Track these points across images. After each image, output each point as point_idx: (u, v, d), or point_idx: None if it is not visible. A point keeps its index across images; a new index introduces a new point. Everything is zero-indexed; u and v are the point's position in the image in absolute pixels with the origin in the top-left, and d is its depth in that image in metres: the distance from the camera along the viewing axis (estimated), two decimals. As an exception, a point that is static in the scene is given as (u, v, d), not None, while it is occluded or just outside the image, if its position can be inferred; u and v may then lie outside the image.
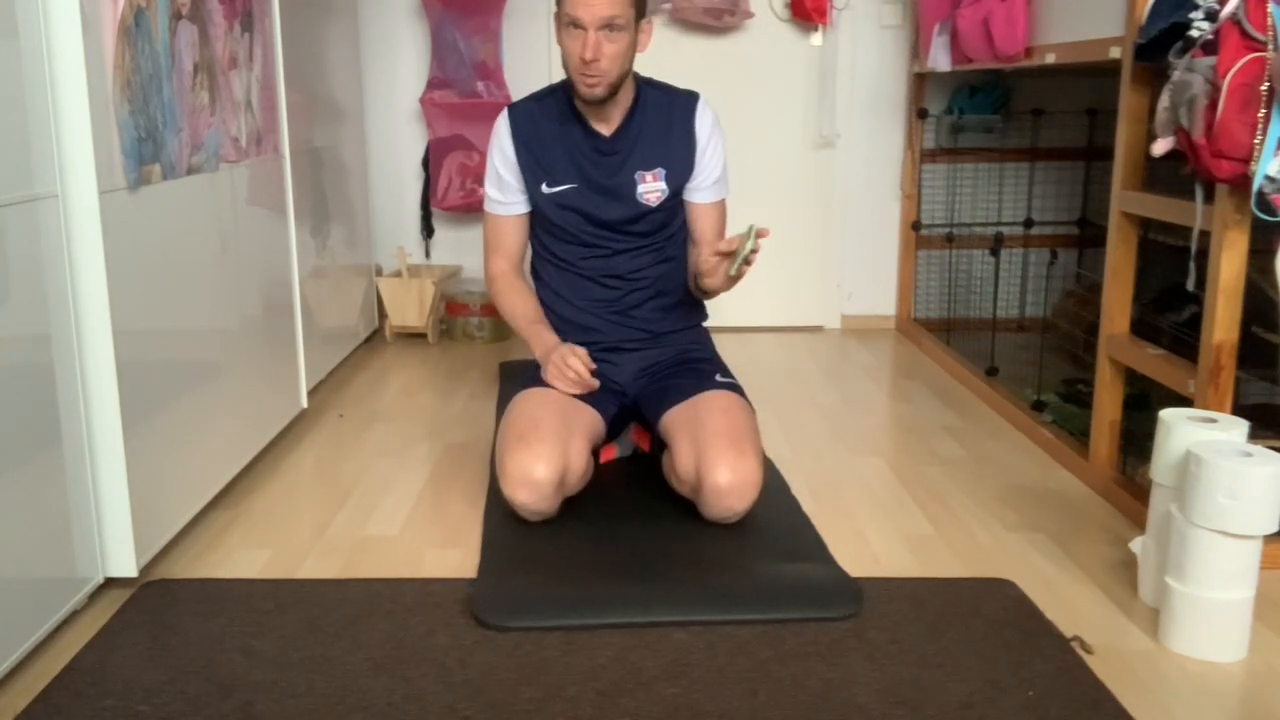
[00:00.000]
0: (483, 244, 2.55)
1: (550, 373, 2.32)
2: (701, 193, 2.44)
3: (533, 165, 2.39)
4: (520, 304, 2.47)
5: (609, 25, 2.18)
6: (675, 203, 2.43)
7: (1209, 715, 1.62)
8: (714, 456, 2.13)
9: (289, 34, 2.89)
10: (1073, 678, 1.69)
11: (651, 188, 2.39)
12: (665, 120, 2.39)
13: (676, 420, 2.27)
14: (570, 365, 2.29)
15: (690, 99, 2.42)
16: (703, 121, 2.40)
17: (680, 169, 2.40)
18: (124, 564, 1.95)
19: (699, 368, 2.42)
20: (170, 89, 2.10)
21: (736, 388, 2.36)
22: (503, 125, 2.41)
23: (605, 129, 2.36)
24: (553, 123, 2.38)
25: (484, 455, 2.73)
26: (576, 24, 2.19)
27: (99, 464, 1.90)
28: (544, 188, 2.40)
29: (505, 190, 2.45)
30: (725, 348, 3.00)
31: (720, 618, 1.85)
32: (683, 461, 2.19)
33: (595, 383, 2.31)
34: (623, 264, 2.44)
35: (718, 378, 2.38)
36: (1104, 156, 3.75)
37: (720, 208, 2.48)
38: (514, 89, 3.96)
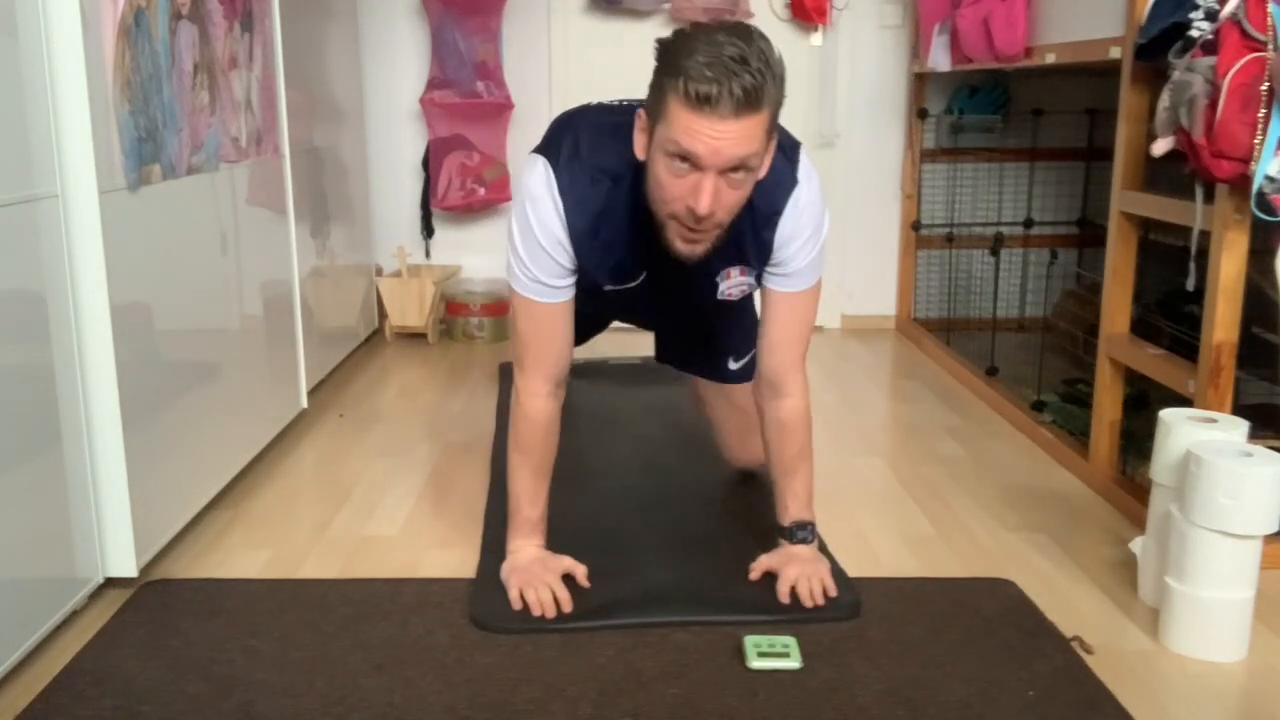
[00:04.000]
0: (513, 347, 1.94)
1: (517, 582, 1.90)
2: (780, 279, 1.91)
3: (589, 263, 1.84)
4: (533, 470, 1.95)
5: (738, 168, 1.62)
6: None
7: (1209, 715, 1.62)
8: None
9: (289, 34, 2.89)
10: (1073, 678, 1.69)
11: (736, 283, 1.94)
12: (755, 212, 1.81)
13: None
14: (543, 599, 1.85)
15: (783, 188, 1.81)
16: (790, 215, 1.83)
17: (764, 255, 1.90)
18: (124, 564, 1.95)
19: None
20: (170, 89, 2.10)
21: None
22: (544, 198, 1.78)
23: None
24: (613, 229, 1.80)
25: (484, 455, 2.73)
26: (688, 159, 1.60)
27: (99, 464, 1.90)
28: (605, 286, 1.90)
29: (552, 270, 1.82)
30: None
31: (720, 618, 1.85)
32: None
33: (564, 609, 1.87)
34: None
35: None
36: (1104, 156, 3.74)
37: (798, 301, 1.93)
38: (514, 89, 3.96)
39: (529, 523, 1.97)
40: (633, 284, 1.92)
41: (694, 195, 1.61)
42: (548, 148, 1.82)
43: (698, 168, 1.59)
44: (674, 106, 1.58)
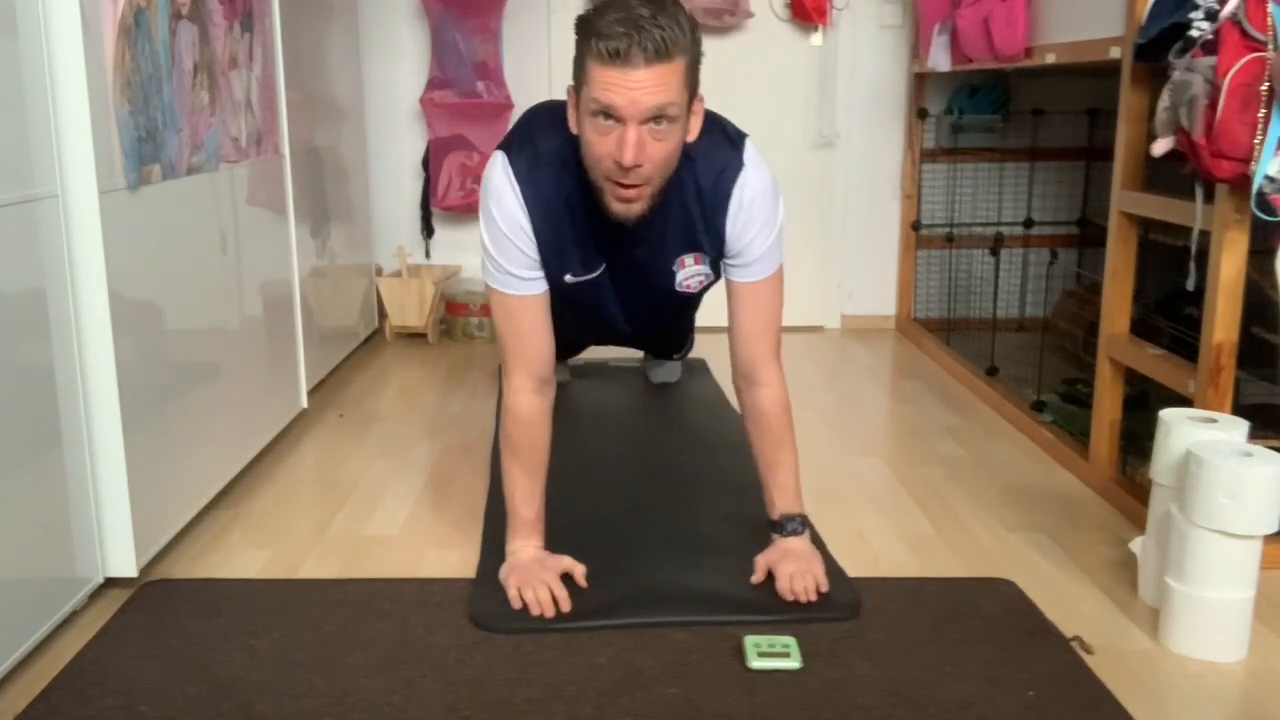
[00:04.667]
0: (499, 350, 1.96)
1: (515, 582, 1.90)
2: (739, 270, 1.93)
3: (550, 252, 1.88)
4: (526, 468, 1.95)
5: (658, 117, 1.65)
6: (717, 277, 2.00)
7: (1209, 715, 1.62)
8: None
9: (289, 34, 2.89)
10: (1073, 678, 1.69)
11: (693, 272, 1.95)
12: (702, 193, 1.85)
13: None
14: (541, 599, 1.85)
15: (729, 170, 1.85)
16: (737, 199, 1.86)
17: (718, 244, 1.92)
18: (124, 564, 1.95)
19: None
20: (170, 89, 2.10)
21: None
22: (504, 187, 1.83)
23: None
24: (567, 209, 1.84)
25: (484, 455, 2.73)
26: (609, 114, 1.64)
27: (99, 464, 1.90)
28: (567, 277, 1.92)
29: (519, 260, 1.86)
30: (726, 348, 2.99)
31: (720, 618, 1.85)
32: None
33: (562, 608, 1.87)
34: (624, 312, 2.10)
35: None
36: (1104, 156, 3.74)
37: (761, 290, 1.94)
38: (514, 89, 3.96)
39: (526, 523, 1.97)
40: (593, 275, 1.94)
41: (619, 149, 1.64)
42: (507, 142, 1.90)
43: (619, 120, 1.63)
44: (591, 66, 1.64)
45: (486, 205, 1.86)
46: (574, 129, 1.74)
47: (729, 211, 1.86)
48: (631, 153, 1.64)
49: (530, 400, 1.94)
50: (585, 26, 1.66)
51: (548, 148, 1.83)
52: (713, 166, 1.83)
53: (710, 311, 2.53)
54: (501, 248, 1.86)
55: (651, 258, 1.93)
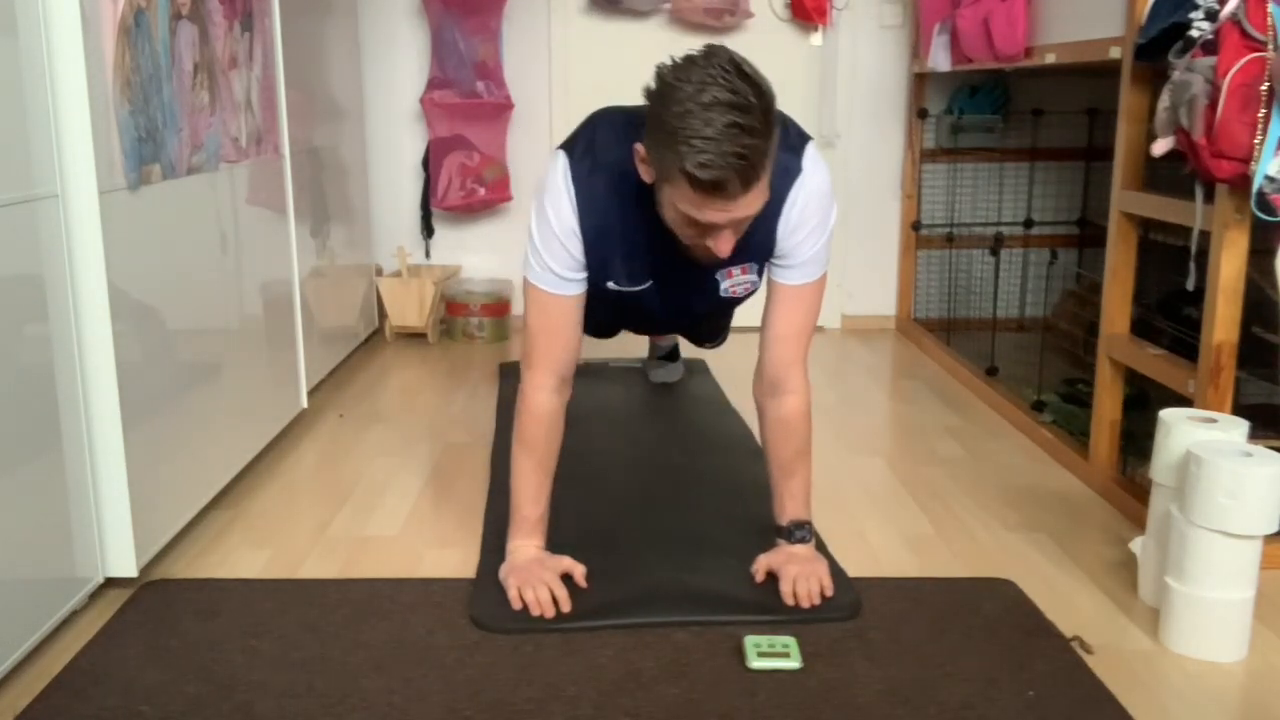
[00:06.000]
0: (525, 343, 1.93)
1: (515, 582, 1.89)
2: (783, 271, 1.91)
3: (597, 261, 1.88)
4: (535, 466, 1.94)
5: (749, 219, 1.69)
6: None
7: (1209, 715, 1.62)
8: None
9: (289, 34, 2.89)
10: (1073, 678, 1.69)
11: (739, 281, 1.96)
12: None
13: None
14: (540, 599, 1.85)
15: (786, 177, 1.80)
16: (790, 203, 1.83)
17: (768, 250, 1.90)
18: (124, 564, 1.95)
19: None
20: (170, 89, 2.10)
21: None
22: (561, 189, 1.82)
23: None
24: (622, 223, 1.83)
25: (484, 455, 2.73)
26: (702, 224, 1.66)
27: (99, 464, 1.90)
28: (610, 285, 1.92)
29: (565, 261, 1.85)
30: (725, 348, 3.00)
31: (720, 618, 1.85)
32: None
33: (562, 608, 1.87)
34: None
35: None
36: (1104, 156, 3.75)
37: (802, 294, 1.92)
38: (514, 89, 3.96)
39: (528, 522, 1.96)
40: (639, 288, 1.94)
41: (713, 243, 1.68)
42: (569, 143, 1.88)
43: (713, 228, 1.65)
44: (679, 182, 1.61)
45: (541, 203, 1.84)
46: (646, 179, 1.72)
47: (781, 215, 1.83)
48: (727, 250, 1.68)
49: (549, 399, 1.93)
50: (666, 129, 1.58)
51: (609, 159, 1.81)
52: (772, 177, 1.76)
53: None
54: (549, 246, 1.84)
55: (701, 272, 1.92)
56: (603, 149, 1.82)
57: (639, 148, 1.70)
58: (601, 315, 1.99)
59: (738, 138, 1.54)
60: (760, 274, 1.94)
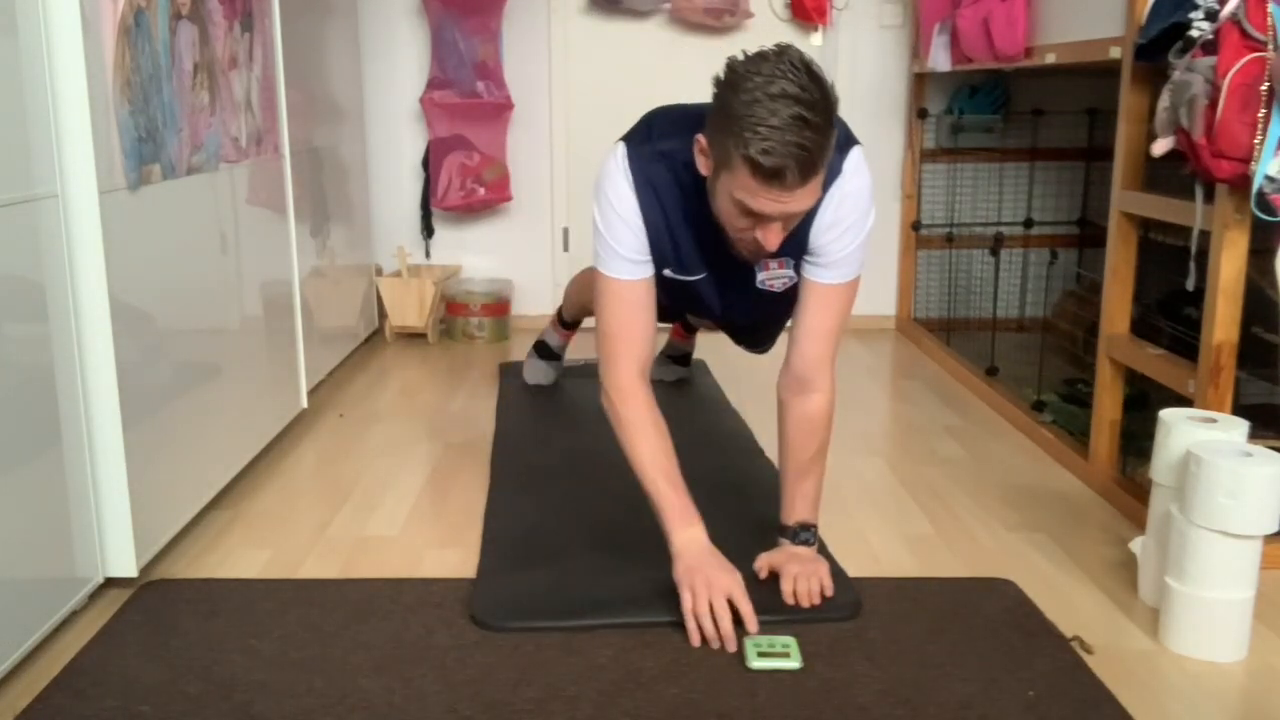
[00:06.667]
0: (598, 336, 1.93)
1: (701, 583, 1.79)
2: (816, 269, 1.93)
3: (654, 246, 1.90)
4: (657, 449, 1.89)
5: (800, 214, 1.72)
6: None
7: (1209, 715, 1.62)
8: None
9: (289, 34, 2.89)
10: (1073, 678, 1.69)
11: (775, 275, 1.97)
12: None
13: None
14: (723, 630, 1.76)
15: (826, 178, 1.77)
16: (826, 202, 1.84)
17: (803, 245, 1.92)
18: (124, 564, 1.95)
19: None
20: (170, 89, 2.10)
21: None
22: (619, 175, 1.86)
23: None
24: (677, 212, 1.88)
25: (484, 455, 2.73)
26: (755, 213, 1.69)
27: (99, 464, 1.90)
28: (667, 271, 1.95)
29: (632, 244, 1.87)
30: (726, 349, 2.99)
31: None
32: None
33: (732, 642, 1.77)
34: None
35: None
36: (1104, 156, 3.74)
37: (833, 293, 1.95)
38: (514, 89, 3.96)
39: (678, 509, 1.86)
40: (693, 278, 1.98)
41: (761, 235, 1.71)
42: (628, 134, 1.93)
43: (764, 217, 1.68)
44: (739, 168, 1.64)
45: (602, 189, 1.88)
46: (703, 172, 1.75)
47: (816, 212, 1.85)
48: (775, 244, 1.71)
49: (643, 386, 1.91)
50: (731, 117, 1.62)
51: (666, 148, 1.85)
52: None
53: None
54: (614, 230, 1.87)
55: (745, 269, 1.94)
56: (660, 139, 1.87)
57: (700, 138, 1.73)
58: (663, 299, 2.01)
59: (801, 130, 1.58)
60: (796, 269, 1.95)
